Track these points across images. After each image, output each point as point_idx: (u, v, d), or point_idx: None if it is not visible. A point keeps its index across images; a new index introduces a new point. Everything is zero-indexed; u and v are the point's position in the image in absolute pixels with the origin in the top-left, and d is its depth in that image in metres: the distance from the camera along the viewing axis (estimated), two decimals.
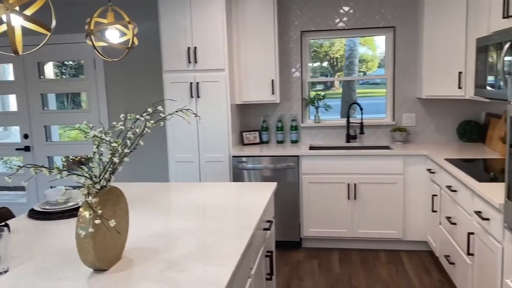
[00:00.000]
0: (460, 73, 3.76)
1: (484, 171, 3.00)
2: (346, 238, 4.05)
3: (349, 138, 4.47)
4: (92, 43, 2.34)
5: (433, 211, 3.55)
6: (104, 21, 2.43)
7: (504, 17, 2.75)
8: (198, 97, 4.02)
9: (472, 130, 4.13)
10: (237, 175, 4.08)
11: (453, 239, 3.08)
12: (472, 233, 2.64)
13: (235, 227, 1.94)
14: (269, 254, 2.39)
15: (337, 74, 5.01)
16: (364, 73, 4.90)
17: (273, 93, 4.24)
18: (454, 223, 3.02)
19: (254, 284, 1.97)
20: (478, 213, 2.49)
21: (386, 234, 3.96)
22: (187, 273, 1.46)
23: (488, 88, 2.97)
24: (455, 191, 2.99)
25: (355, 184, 3.93)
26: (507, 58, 2.59)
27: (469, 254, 2.68)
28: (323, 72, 4.88)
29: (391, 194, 3.90)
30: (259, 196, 2.43)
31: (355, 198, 3.96)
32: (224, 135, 4.04)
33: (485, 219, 2.40)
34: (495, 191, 2.38)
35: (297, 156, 4.00)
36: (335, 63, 4.95)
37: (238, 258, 1.57)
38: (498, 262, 2.26)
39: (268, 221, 2.44)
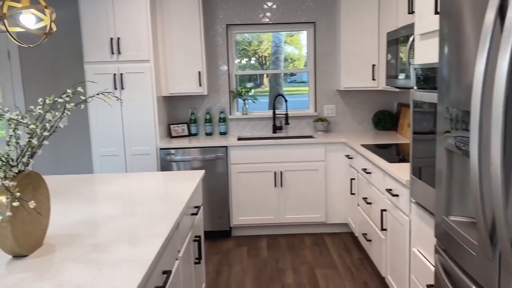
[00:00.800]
0: (373, 65, 4.06)
1: (394, 154, 3.28)
2: (273, 224, 4.20)
3: (275, 129, 4.63)
4: (6, 28, 2.23)
5: (352, 193, 3.81)
6: (18, 5, 2.32)
7: (409, 13, 3.02)
8: (123, 88, 3.95)
9: (386, 119, 4.47)
10: (165, 168, 4.06)
11: (369, 217, 3.33)
12: (385, 210, 2.89)
13: (162, 212, 1.96)
14: (197, 238, 2.44)
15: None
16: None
17: (200, 85, 4.27)
18: (370, 203, 3.27)
19: (182, 266, 2.01)
20: (389, 191, 2.73)
21: (310, 218, 4.16)
22: (111, 254, 1.47)
23: (398, 78, 3.24)
24: (369, 173, 3.23)
25: (281, 172, 4.09)
26: (412, 50, 2.85)
27: (382, 229, 2.93)
28: (252, 70, 5.02)
29: (314, 180, 4.11)
30: (186, 183, 2.47)
31: (281, 186, 4.12)
32: (151, 128, 4.01)
33: (395, 195, 2.64)
34: (403, 170, 2.63)
35: (226, 146, 4.08)
36: (263, 61, 5.10)
37: (163, 239, 1.61)
38: (406, 234, 2.50)
39: (196, 207, 2.49)
